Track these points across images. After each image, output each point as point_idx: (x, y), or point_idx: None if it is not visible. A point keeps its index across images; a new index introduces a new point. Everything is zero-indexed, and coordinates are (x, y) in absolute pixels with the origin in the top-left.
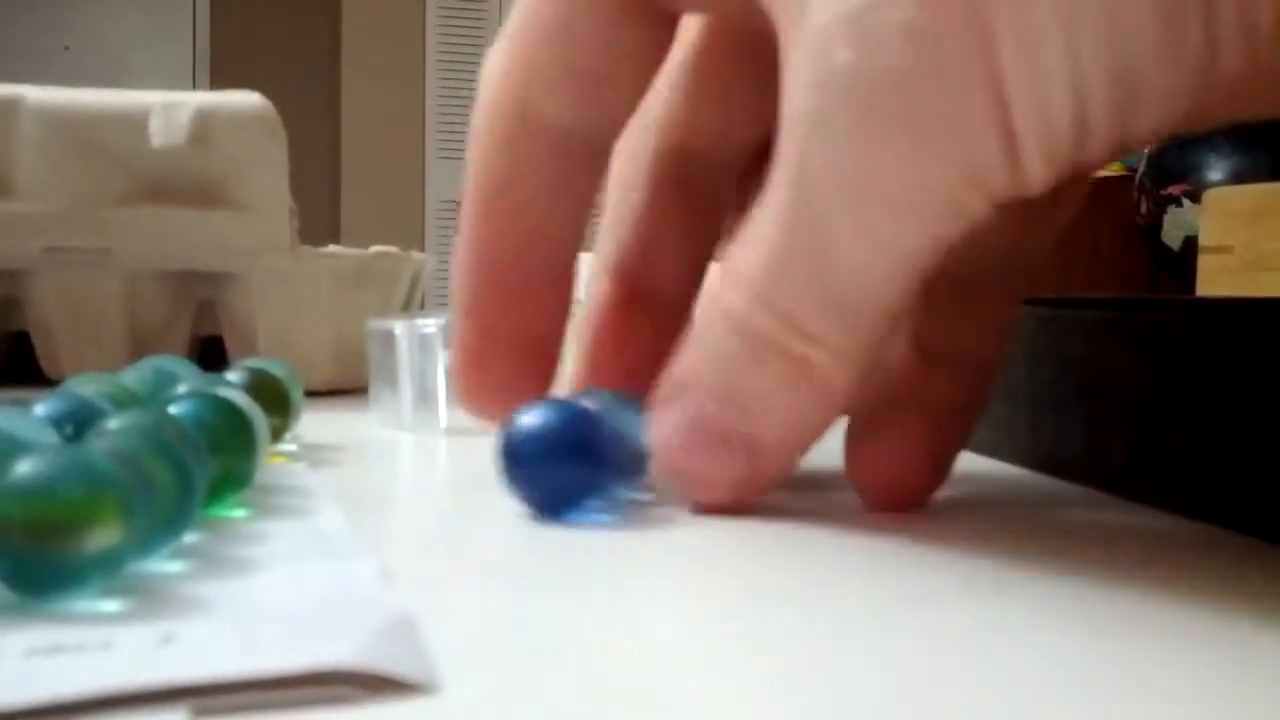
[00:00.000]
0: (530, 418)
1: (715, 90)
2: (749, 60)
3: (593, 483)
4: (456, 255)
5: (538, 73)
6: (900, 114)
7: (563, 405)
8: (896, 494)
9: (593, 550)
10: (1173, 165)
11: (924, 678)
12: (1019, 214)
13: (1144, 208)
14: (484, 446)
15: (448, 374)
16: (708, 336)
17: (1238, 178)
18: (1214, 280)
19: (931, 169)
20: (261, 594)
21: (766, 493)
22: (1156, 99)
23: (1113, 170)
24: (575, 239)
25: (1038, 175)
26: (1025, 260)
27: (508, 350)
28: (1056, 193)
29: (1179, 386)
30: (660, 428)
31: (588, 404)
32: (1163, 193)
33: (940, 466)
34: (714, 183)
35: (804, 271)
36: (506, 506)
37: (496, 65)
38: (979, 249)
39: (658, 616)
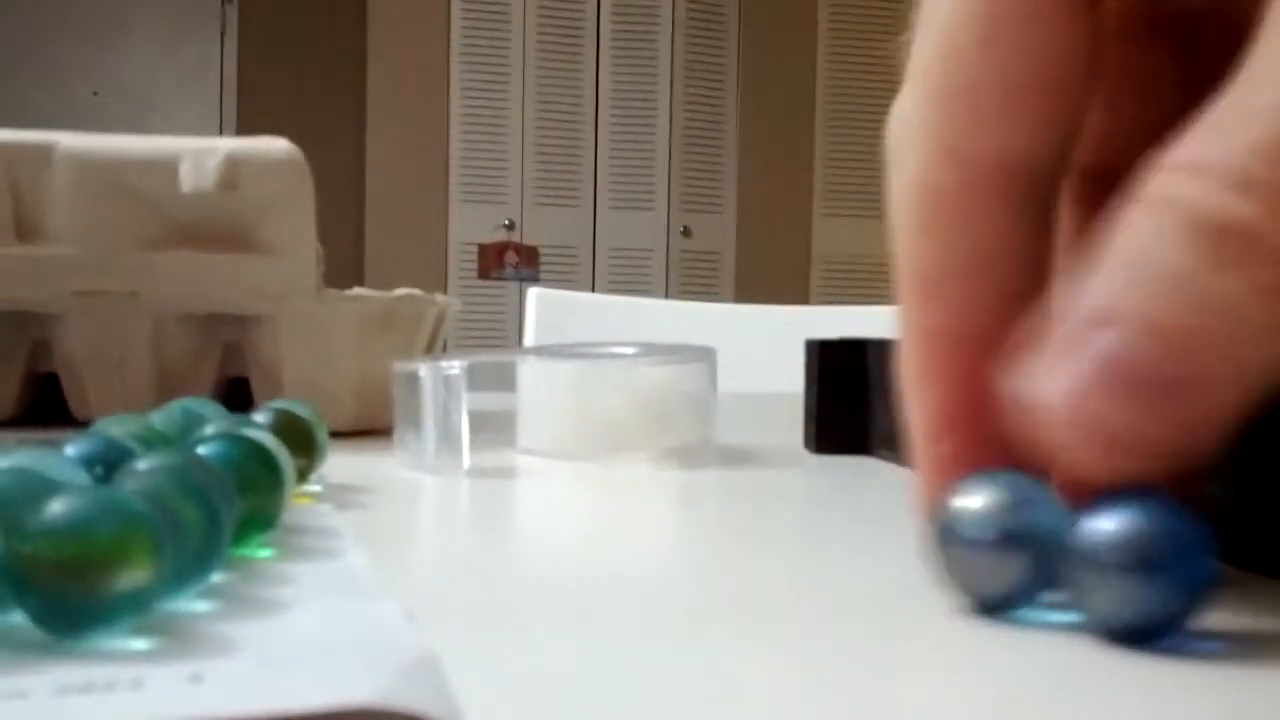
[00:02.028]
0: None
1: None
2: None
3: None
4: (903, 340)
5: (967, 102)
6: None
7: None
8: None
9: (615, 594)
10: None
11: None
12: None
13: None
14: (506, 488)
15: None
16: (1146, 248)
17: None
18: None
19: None
20: (288, 633)
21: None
22: None
23: None
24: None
25: None
26: None
27: (985, 408)
28: None
29: None
30: (1067, 373)
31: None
32: None
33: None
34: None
35: None
36: (528, 549)
37: (908, 117)
38: None
39: (681, 659)
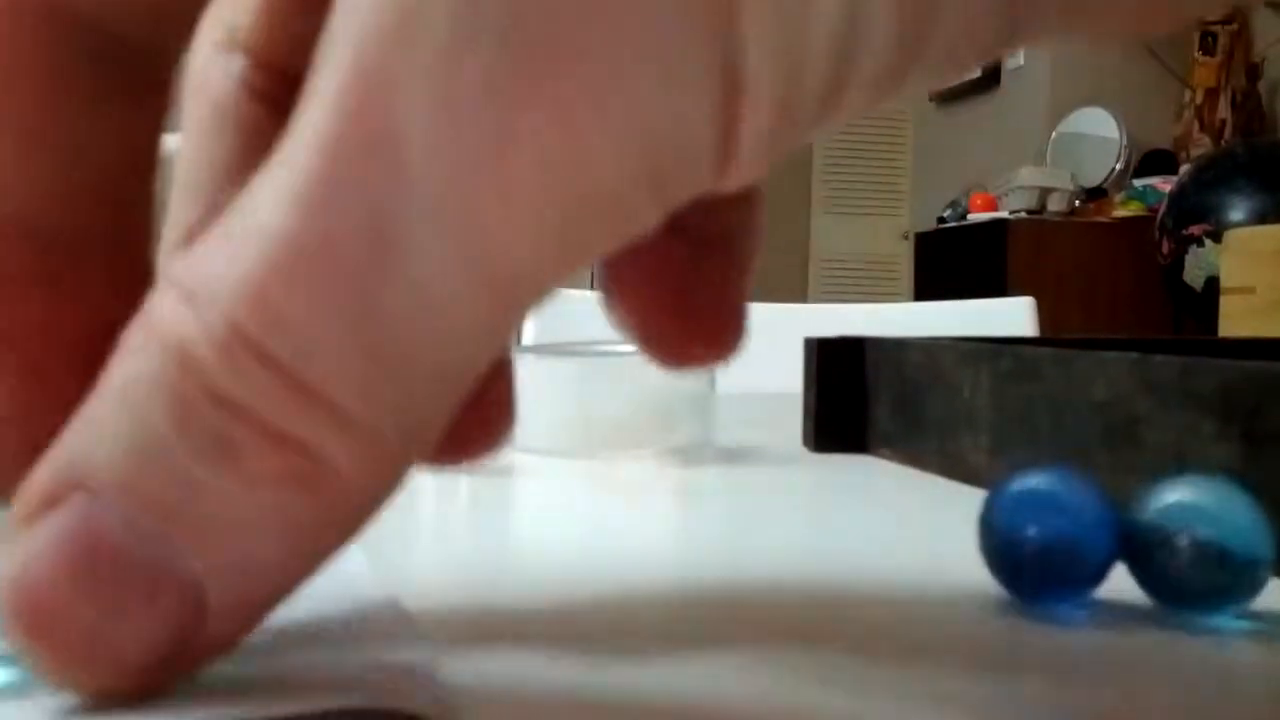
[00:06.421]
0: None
1: None
2: None
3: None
4: None
5: None
6: (565, 35)
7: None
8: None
9: (614, 592)
10: (1194, 205)
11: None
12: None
13: (1165, 248)
14: (505, 487)
15: None
16: (129, 401)
17: (1260, 218)
18: (1236, 320)
19: (604, 141)
20: (283, 634)
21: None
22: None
23: (1134, 210)
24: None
25: (757, 148)
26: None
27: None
28: None
29: (1205, 429)
30: (25, 546)
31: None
32: (1184, 233)
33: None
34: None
35: (332, 305)
36: (526, 545)
37: None
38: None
39: (681, 658)
